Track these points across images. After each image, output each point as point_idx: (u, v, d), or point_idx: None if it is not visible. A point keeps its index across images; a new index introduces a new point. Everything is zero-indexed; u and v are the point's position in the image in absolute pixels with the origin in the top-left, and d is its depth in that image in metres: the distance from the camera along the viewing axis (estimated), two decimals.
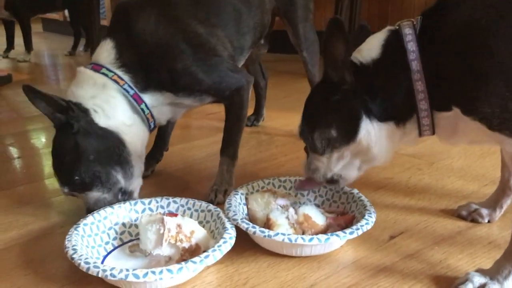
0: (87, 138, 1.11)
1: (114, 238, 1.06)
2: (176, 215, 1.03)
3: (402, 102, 0.90)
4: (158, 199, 1.13)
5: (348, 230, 0.98)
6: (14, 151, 1.78)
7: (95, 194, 1.13)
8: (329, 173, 1.02)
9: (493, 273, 0.86)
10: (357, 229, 0.99)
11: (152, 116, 1.21)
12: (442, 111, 0.89)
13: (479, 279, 0.86)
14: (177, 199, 1.13)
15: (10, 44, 3.99)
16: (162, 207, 1.12)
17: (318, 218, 1.05)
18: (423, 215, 1.16)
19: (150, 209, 1.12)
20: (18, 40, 4.03)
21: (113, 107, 1.15)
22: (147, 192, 1.29)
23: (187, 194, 1.30)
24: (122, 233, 1.07)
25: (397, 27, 0.91)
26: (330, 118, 0.96)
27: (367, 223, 1.01)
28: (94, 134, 1.12)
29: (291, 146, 1.68)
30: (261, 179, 1.22)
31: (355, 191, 1.14)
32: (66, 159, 1.11)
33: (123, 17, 1.21)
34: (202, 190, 1.32)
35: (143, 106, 1.19)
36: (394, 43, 0.90)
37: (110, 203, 1.13)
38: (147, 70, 1.18)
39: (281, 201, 1.12)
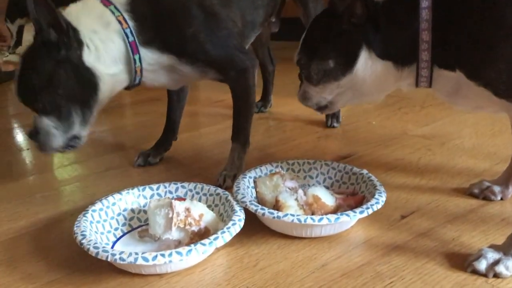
0: (67, 71, 1.08)
1: (123, 224, 1.05)
2: (184, 199, 1.03)
3: (404, 46, 0.90)
4: (166, 184, 1.13)
5: (358, 209, 0.97)
6: (22, 143, 1.78)
7: (47, 122, 1.11)
8: (323, 101, 1.05)
9: (506, 248, 0.85)
10: (367, 208, 0.97)
11: (140, 71, 1.16)
12: (444, 69, 0.87)
13: (492, 255, 0.85)
14: (185, 184, 1.12)
15: (19, 41, 4.01)
16: (170, 192, 1.12)
17: (328, 199, 1.04)
18: (435, 194, 1.15)
19: (159, 195, 1.11)
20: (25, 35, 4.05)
21: (108, 50, 1.11)
22: (156, 179, 1.29)
23: (196, 180, 1.29)
24: (131, 219, 1.07)
25: None
26: (329, 49, 0.96)
27: (377, 202, 1.00)
28: (75, 70, 1.08)
29: (299, 131, 1.67)
30: (269, 163, 1.21)
31: (365, 171, 1.13)
32: (36, 80, 1.07)
33: None
34: (211, 176, 1.31)
35: (136, 57, 1.14)
36: None
37: (58, 144, 1.12)
38: (155, 26, 1.14)
39: (290, 183, 1.11)
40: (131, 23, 1.13)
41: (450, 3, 0.84)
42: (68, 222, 1.12)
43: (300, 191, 1.05)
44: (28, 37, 3.87)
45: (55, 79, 1.07)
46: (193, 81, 1.31)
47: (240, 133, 1.31)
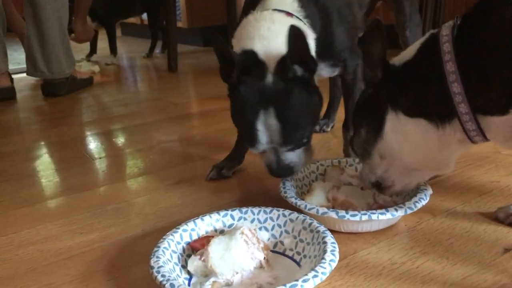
0: (318, 97, 1.08)
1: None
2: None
3: (435, 101, 0.84)
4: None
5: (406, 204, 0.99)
6: (95, 152, 1.79)
7: (300, 153, 1.09)
8: (372, 178, 1.00)
9: None
10: (416, 202, 1.00)
11: None
12: (491, 116, 0.79)
13: None
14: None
15: (93, 49, 4.15)
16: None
17: (358, 200, 1.07)
18: None
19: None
20: (99, 44, 4.18)
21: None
22: (228, 195, 1.24)
23: (270, 195, 1.23)
24: None
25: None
26: (360, 120, 0.97)
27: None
28: (315, 91, 1.07)
29: None
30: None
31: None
32: (302, 121, 1.04)
33: None
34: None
35: None
36: (431, 45, 0.85)
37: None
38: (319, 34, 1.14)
39: (346, 179, 1.14)
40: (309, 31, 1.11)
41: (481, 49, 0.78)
42: (138, 237, 1.08)
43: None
44: (102, 45, 4.02)
45: (315, 107, 1.08)
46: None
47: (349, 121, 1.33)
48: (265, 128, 1.01)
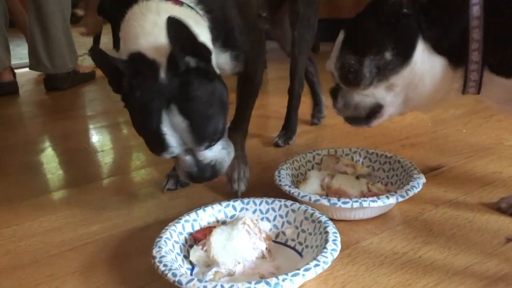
0: (221, 84, 0.96)
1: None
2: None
3: (456, 43, 0.82)
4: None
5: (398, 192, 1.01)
6: (97, 145, 1.79)
7: (220, 148, 0.99)
8: (372, 105, 0.94)
9: None
10: (408, 190, 1.01)
11: None
12: (497, 75, 0.79)
13: None
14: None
15: (96, 44, 4.14)
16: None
17: (351, 189, 1.08)
18: None
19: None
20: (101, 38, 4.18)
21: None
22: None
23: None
24: None
25: None
26: (385, 41, 0.87)
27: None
28: (216, 78, 0.95)
29: (380, 138, 1.55)
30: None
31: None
32: (210, 111, 0.93)
33: None
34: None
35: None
36: None
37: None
38: (216, 21, 1.03)
39: (341, 168, 1.16)
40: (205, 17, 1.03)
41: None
42: (140, 229, 1.09)
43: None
44: (104, 39, 4.01)
45: (221, 98, 0.95)
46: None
47: (244, 122, 1.27)
48: (172, 129, 0.90)
